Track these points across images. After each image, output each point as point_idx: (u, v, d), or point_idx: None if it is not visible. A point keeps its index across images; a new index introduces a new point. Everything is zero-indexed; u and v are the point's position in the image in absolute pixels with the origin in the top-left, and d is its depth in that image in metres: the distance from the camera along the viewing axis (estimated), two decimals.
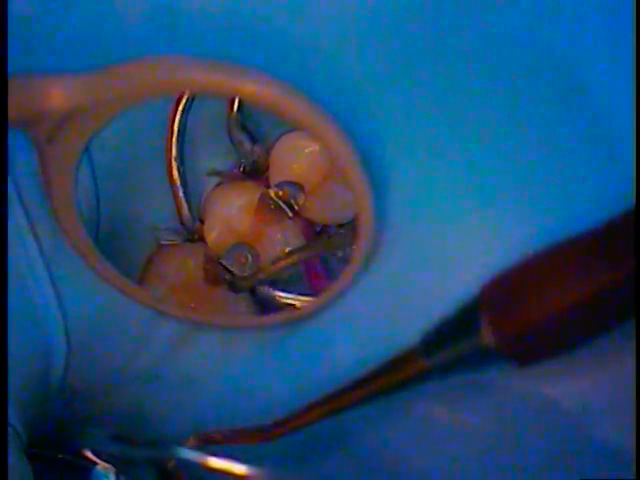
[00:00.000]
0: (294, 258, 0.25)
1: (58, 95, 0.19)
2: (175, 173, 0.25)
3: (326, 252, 0.26)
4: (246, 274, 0.25)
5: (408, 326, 0.22)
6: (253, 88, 0.20)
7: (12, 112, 0.19)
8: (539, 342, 0.20)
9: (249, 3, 0.21)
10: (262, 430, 0.23)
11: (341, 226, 0.25)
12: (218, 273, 0.25)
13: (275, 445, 0.23)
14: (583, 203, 0.21)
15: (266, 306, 0.26)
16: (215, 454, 0.21)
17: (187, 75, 0.20)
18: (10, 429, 0.23)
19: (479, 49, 0.21)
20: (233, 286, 0.25)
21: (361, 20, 0.21)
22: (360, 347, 0.24)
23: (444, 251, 0.23)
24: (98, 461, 0.22)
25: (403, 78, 0.22)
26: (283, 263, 0.25)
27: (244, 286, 0.25)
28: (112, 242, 0.25)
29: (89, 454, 0.22)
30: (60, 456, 0.24)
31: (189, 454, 0.21)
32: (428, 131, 0.22)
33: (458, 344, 0.20)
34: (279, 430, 0.23)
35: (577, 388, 0.22)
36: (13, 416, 0.23)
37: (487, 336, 0.19)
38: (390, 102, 0.22)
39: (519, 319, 0.19)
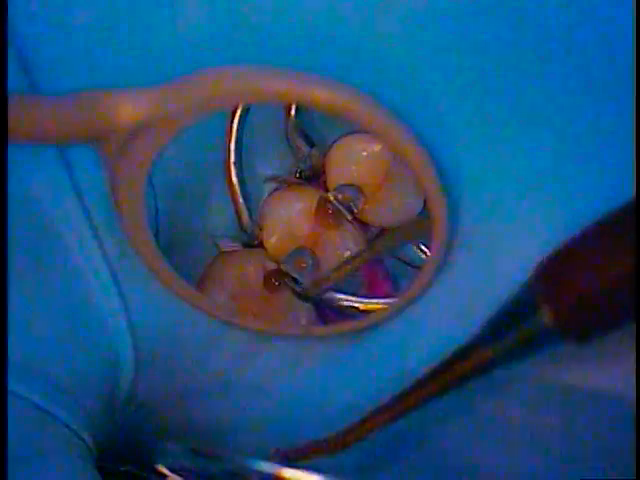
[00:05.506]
0: (358, 262, 0.25)
1: (128, 109, 0.19)
2: (234, 178, 0.25)
3: (387, 253, 0.26)
4: (306, 279, 0.25)
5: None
6: (325, 95, 0.19)
7: (82, 128, 0.19)
8: (595, 314, 0.19)
9: (314, 10, 0.21)
10: (331, 440, 0.23)
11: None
12: (278, 279, 0.25)
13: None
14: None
15: (328, 310, 0.26)
16: (291, 466, 0.21)
17: (257, 84, 0.19)
18: (81, 442, 0.22)
19: (547, 51, 0.21)
20: (299, 296, 0.25)
21: (433, 22, 0.21)
22: (431, 353, 0.23)
23: (513, 249, 0.23)
24: (171, 475, 0.21)
25: (476, 81, 0.21)
26: (348, 268, 0.25)
27: (310, 294, 0.25)
28: (171, 250, 0.25)
29: (162, 468, 0.22)
30: (131, 470, 0.24)
31: (266, 467, 0.21)
32: (498, 131, 0.22)
33: (517, 326, 0.20)
34: (349, 438, 0.22)
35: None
36: (84, 429, 0.22)
37: (544, 313, 0.19)
38: (461, 104, 0.22)
39: (574, 292, 0.19)
